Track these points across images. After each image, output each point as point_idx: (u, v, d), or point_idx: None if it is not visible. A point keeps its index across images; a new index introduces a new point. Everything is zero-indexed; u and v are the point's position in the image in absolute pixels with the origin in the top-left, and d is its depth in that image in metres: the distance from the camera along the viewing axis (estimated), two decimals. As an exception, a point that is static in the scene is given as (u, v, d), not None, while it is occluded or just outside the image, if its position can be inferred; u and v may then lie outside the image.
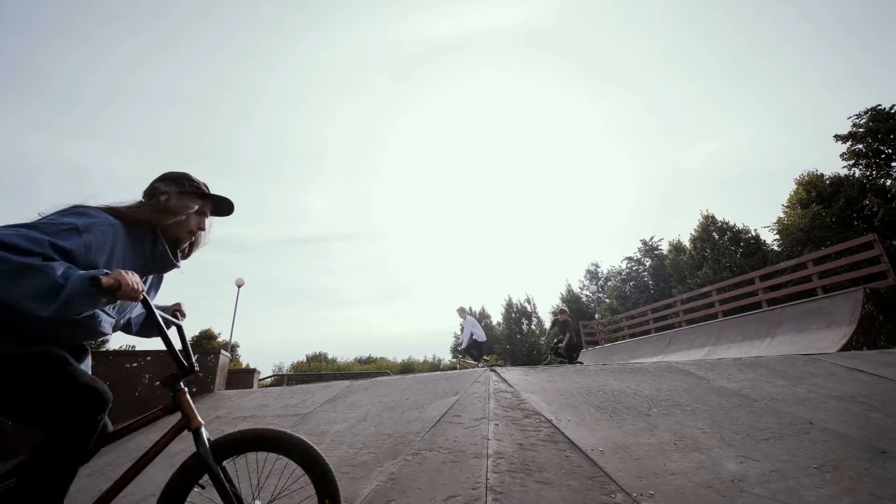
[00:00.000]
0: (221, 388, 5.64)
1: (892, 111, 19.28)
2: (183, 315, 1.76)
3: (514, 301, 36.00)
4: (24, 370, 1.28)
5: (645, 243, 30.15)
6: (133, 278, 1.28)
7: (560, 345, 9.11)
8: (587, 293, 36.08)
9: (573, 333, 9.17)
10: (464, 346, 9.97)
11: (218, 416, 4.16)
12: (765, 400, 3.14)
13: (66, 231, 1.26)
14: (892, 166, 19.56)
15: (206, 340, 30.27)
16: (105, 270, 1.25)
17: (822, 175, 22.76)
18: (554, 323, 10.72)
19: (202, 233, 1.66)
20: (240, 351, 34.73)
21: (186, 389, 1.50)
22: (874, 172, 20.05)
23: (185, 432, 1.45)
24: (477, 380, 3.23)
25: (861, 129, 19.99)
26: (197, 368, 1.38)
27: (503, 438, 2.26)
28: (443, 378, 3.51)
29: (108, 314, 1.46)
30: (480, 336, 9.91)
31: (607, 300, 31.23)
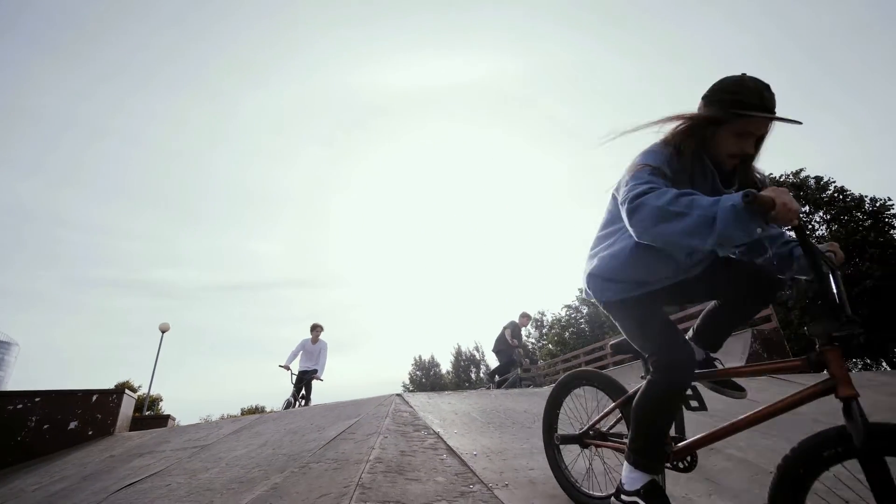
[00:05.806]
0: (124, 431, 5.24)
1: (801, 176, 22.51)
2: (839, 258, 1.42)
3: (464, 349, 35.96)
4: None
5: (582, 291, 31.80)
6: (788, 197, 1.05)
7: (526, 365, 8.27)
8: (532, 340, 36.98)
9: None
10: (321, 373, 8.21)
11: (112, 454, 3.91)
12: (637, 415, 3.55)
13: None
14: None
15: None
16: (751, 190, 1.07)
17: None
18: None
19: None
20: (162, 405, 31.33)
21: (840, 347, 1.14)
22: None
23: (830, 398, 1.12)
24: (381, 403, 3.39)
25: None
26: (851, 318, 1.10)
27: (387, 447, 2.44)
28: (350, 404, 3.63)
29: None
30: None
31: (550, 346, 32.15)
